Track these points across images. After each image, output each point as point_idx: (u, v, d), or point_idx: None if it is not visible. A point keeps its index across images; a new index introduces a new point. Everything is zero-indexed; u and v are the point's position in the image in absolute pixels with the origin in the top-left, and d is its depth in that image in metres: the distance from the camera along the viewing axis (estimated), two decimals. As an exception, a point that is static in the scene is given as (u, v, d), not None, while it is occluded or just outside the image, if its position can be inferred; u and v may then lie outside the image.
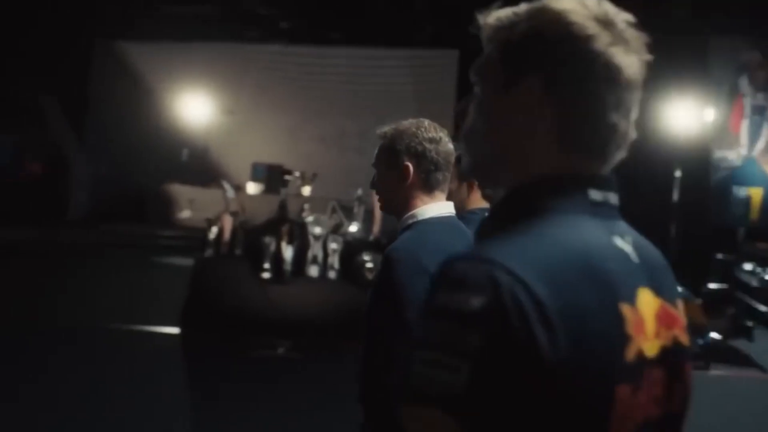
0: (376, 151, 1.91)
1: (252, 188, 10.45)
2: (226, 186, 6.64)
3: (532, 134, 0.85)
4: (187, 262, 6.32)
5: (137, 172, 11.91)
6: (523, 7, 0.86)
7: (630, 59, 0.83)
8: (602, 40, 0.82)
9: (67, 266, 8.77)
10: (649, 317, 0.82)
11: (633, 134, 0.86)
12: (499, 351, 0.72)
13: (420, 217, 1.84)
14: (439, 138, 1.85)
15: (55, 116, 12.27)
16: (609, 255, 0.81)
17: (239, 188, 9.16)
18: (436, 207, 1.85)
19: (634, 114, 0.86)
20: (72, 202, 12.02)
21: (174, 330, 5.47)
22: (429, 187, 1.85)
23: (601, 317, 0.76)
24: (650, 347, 0.81)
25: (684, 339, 0.87)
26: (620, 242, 0.84)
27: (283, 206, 6.03)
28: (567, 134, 0.84)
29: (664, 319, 0.84)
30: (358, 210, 6.23)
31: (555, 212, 0.82)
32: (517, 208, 0.84)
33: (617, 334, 0.77)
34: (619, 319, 0.77)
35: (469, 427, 0.71)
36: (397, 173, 1.84)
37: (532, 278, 0.74)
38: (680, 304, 0.89)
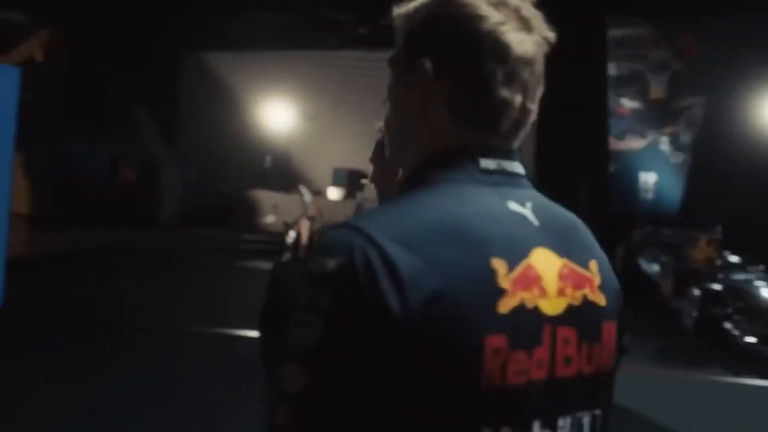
0: (373, 147, 1.85)
1: (333, 193, 10.57)
2: (304, 191, 6.75)
3: (429, 114, 0.90)
4: (269, 265, 6.44)
5: (223, 179, 12.25)
6: None
7: (521, 36, 0.87)
8: (492, 20, 0.86)
9: (157, 269, 9.15)
10: (548, 276, 0.84)
11: (534, 109, 0.90)
12: (347, 309, 0.76)
13: None
14: None
15: (146, 126, 12.79)
16: (493, 217, 0.84)
17: (319, 193, 9.29)
18: None
19: (535, 89, 0.89)
20: (162, 207, 12.49)
21: (255, 333, 5.58)
22: None
23: (465, 273, 0.79)
24: (551, 305, 0.83)
25: (599, 299, 0.88)
26: (516, 206, 0.87)
27: (359, 210, 6.08)
28: (459, 111, 0.88)
29: (571, 279, 0.86)
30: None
31: (441, 182, 0.86)
32: (411, 182, 0.89)
33: (486, 288, 0.79)
34: (488, 274, 0.80)
35: (320, 381, 0.76)
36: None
37: (386, 240, 0.78)
38: (595, 265, 0.90)
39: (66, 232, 10.77)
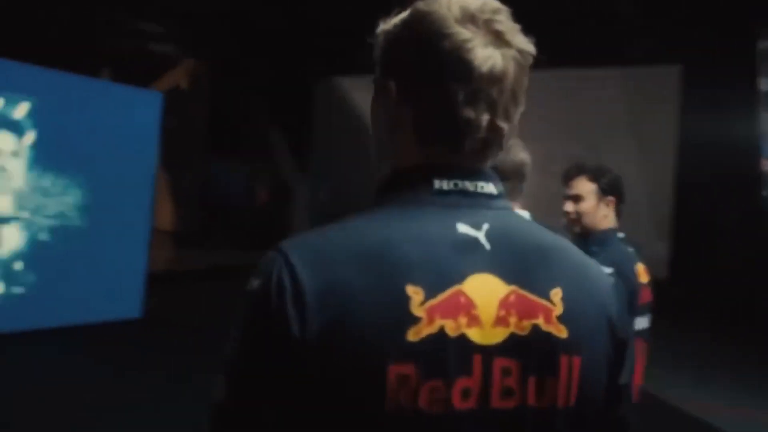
0: None
1: None
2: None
3: (396, 133, 0.89)
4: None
5: (354, 199, 12.39)
6: (404, 13, 0.90)
7: (488, 52, 0.84)
8: (455, 38, 0.84)
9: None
10: (485, 303, 0.81)
11: (507, 127, 0.87)
12: (257, 329, 0.79)
13: None
14: (507, 147, 1.77)
15: (281, 149, 13.24)
16: (426, 241, 0.81)
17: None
18: None
19: (508, 106, 0.86)
20: (295, 227, 12.87)
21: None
22: None
23: (373, 299, 0.77)
24: (484, 334, 0.81)
25: (557, 330, 0.83)
26: (466, 229, 0.84)
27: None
28: (422, 132, 0.87)
29: (517, 307, 0.82)
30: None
31: (388, 203, 0.86)
32: (373, 202, 0.88)
33: (395, 314, 0.78)
34: (400, 301, 0.78)
35: (235, 394, 0.79)
36: None
37: (300, 263, 0.79)
38: (558, 294, 0.85)
39: (207, 250, 11.31)
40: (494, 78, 0.85)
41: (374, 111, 0.93)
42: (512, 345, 0.82)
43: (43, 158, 5.50)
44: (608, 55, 9.61)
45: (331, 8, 10.35)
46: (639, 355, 2.34)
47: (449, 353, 0.79)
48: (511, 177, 1.78)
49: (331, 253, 0.80)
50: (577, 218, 2.49)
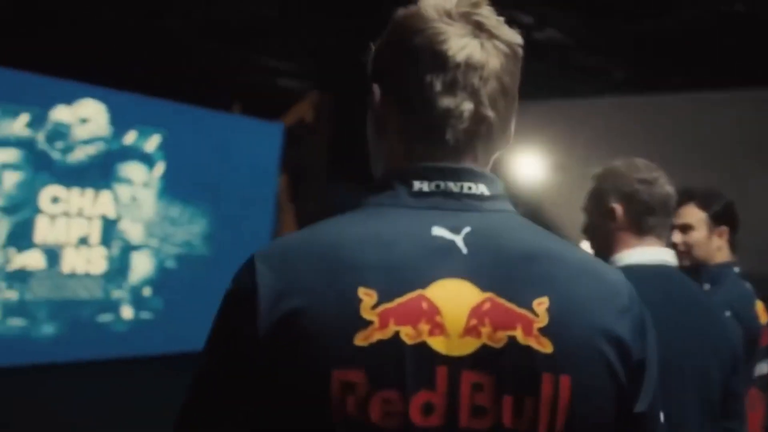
0: (586, 195, 1.80)
1: (585, 247, 10.01)
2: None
3: (383, 136, 0.89)
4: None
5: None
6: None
7: (465, 41, 0.83)
8: (430, 31, 0.83)
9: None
10: (453, 311, 0.75)
11: (495, 117, 0.84)
12: (221, 329, 0.80)
13: (618, 263, 1.64)
14: (653, 179, 1.68)
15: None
16: (389, 243, 0.77)
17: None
18: (643, 252, 1.64)
19: (494, 95, 0.84)
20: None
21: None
22: (640, 231, 1.67)
23: (325, 299, 0.75)
24: (451, 344, 0.75)
25: (539, 345, 0.76)
26: (442, 232, 0.80)
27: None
28: (405, 128, 0.86)
29: (492, 317, 0.76)
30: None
31: (365, 206, 0.84)
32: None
33: (345, 317, 0.74)
34: (351, 303, 0.74)
35: (196, 391, 0.80)
36: (605, 216, 1.70)
37: (263, 265, 0.78)
38: (544, 305, 0.77)
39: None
40: (472, 66, 0.83)
41: (367, 121, 0.92)
42: (484, 358, 0.74)
43: (171, 189, 5.73)
44: (750, 77, 8.96)
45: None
46: (757, 406, 2.09)
47: (406, 362, 0.73)
48: (659, 211, 1.69)
49: (292, 254, 0.79)
50: (687, 250, 2.28)
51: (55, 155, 5.10)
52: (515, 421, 0.74)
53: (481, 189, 0.84)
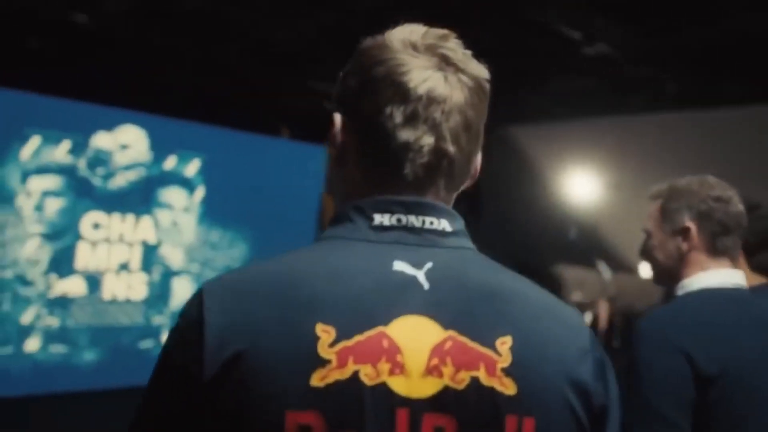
0: (648, 213, 1.70)
1: (645, 270, 9.64)
2: (602, 267, 6.13)
3: (346, 166, 0.86)
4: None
5: (526, 253, 12.00)
6: None
7: (428, 74, 0.81)
8: (393, 62, 0.82)
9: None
10: (414, 350, 0.72)
11: (457, 154, 0.82)
12: (165, 364, 0.76)
13: (693, 287, 1.58)
14: (728, 197, 1.62)
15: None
16: (348, 278, 0.74)
17: (629, 270, 8.50)
18: (717, 274, 1.58)
19: (456, 130, 0.82)
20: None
21: None
22: (714, 253, 1.60)
23: (279, 338, 0.71)
24: (411, 385, 0.71)
25: (502, 386, 0.73)
26: (403, 267, 0.77)
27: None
28: (365, 160, 0.84)
29: (454, 356, 0.72)
30: None
31: (325, 240, 0.82)
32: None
33: (300, 356, 0.70)
34: (307, 341, 0.71)
35: (141, 427, 0.76)
36: (677, 236, 1.62)
37: (211, 298, 0.74)
38: (507, 344, 0.73)
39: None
40: (433, 99, 0.81)
41: (327, 149, 0.90)
42: (447, 400, 0.72)
43: (211, 213, 5.71)
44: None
45: (501, 56, 10.20)
46: None
47: (365, 404, 0.70)
48: (733, 231, 1.62)
49: (243, 288, 0.75)
50: None
51: (96, 181, 5.12)
52: None
53: (443, 225, 0.82)
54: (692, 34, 6.96)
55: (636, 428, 1.44)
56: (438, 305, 0.75)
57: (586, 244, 12.50)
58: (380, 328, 0.72)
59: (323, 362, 0.69)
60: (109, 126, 5.12)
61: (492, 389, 0.73)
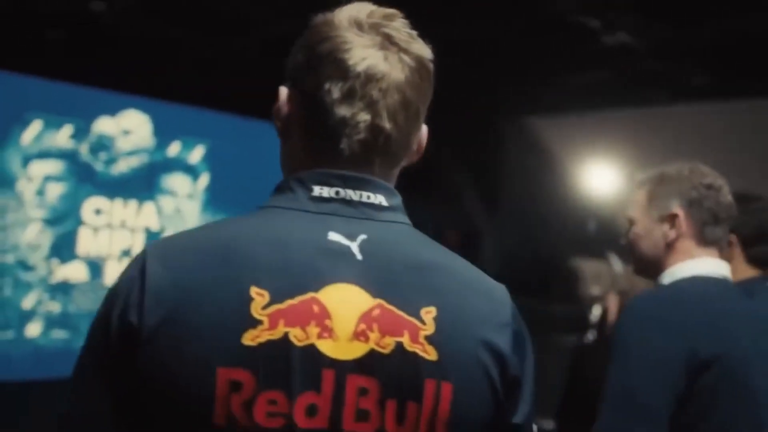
0: (634, 199, 1.63)
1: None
2: (613, 260, 6.00)
3: (288, 140, 0.92)
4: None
5: (544, 246, 11.87)
6: None
7: (368, 52, 0.84)
8: (336, 40, 0.85)
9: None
10: (343, 315, 0.77)
11: (394, 132, 0.85)
12: (102, 321, 0.80)
13: (683, 274, 1.51)
14: (719, 186, 1.58)
15: (469, 192, 13.05)
16: (286, 246, 0.78)
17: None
18: (708, 264, 1.51)
19: (394, 109, 0.85)
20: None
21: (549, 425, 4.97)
22: (703, 242, 1.55)
23: (214, 296, 0.75)
24: (339, 348, 0.76)
25: (425, 352, 0.78)
26: (338, 237, 0.81)
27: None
28: (306, 133, 0.90)
29: (381, 322, 0.78)
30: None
31: (265, 209, 0.87)
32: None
33: (234, 315, 0.74)
34: (241, 302, 0.75)
35: (76, 392, 0.81)
36: (664, 223, 1.56)
37: (154, 258, 0.80)
38: (432, 313, 0.79)
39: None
40: (372, 77, 0.84)
41: (274, 122, 0.94)
42: (371, 363, 0.76)
43: (216, 200, 5.66)
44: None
45: (520, 49, 10.05)
46: None
47: (293, 364, 0.74)
48: (723, 222, 1.58)
49: (184, 250, 0.80)
50: None
51: (99, 167, 5.10)
52: (398, 426, 0.76)
53: (380, 199, 0.87)
54: (719, 23, 6.75)
55: (614, 414, 1.37)
56: (369, 275, 0.80)
57: (604, 237, 12.33)
58: (312, 294, 0.77)
59: (255, 323, 0.74)
60: (112, 111, 5.08)
61: (414, 354, 0.78)
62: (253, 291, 0.76)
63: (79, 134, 4.99)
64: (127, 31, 5.03)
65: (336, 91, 0.84)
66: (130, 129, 5.17)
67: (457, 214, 13.82)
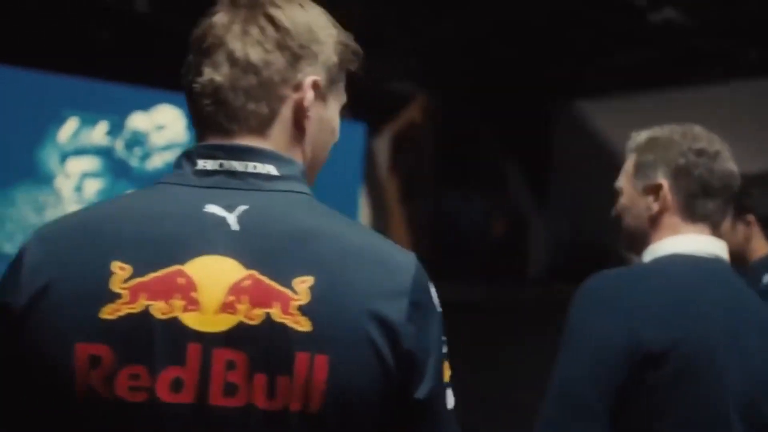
0: (624, 167, 1.48)
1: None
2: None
3: (193, 119, 0.95)
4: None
5: (596, 232, 11.60)
6: None
7: (228, 26, 0.87)
8: (209, 15, 0.90)
9: (524, 325, 8.86)
10: (211, 287, 0.76)
11: (242, 98, 0.86)
12: None
13: (661, 252, 1.36)
14: (714, 152, 1.39)
15: (517, 179, 12.87)
16: (151, 218, 0.79)
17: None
18: (693, 241, 1.34)
19: (240, 77, 0.86)
20: (531, 262, 12.32)
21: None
22: (691, 217, 1.38)
23: (78, 272, 0.76)
24: (205, 320, 0.75)
25: (296, 323, 0.76)
26: (215, 209, 0.81)
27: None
28: (191, 109, 0.93)
29: (251, 294, 0.76)
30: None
31: (153, 186, 0.88)
32: None
33: (93, 290, 0.75)
34: (101, 276, 0.75)
35: None
36: (648, 194, 1.41)
37: (35, 238, 0.81)
38: (307, 283, 0.76)
39: (440, 284, 11.22)
40: (227, 50, 0.86)
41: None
42: (239, 335, 0.75)
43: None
44: None
45: (565, 30, 9.80)
46: None
47: (155, 338, 0.74)
48: (717, 194, 1.39)
49: (62, 229, 0.81)
50: None
51: (134, 162, 5.19)
52: (268, 400, 0.74)
53: (268, 168, 0.85)
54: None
55: (552, 408, 1.26)
56: (243, 246, 0.78)
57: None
58: (177, 267, 0.76)
59: (114, 297, 0.74)
60: (146, 107, 5.16)
61: (284, 325, 0.75)
62: (115, 265, 0.76)
63: (114, 130, 5.09)
64: (159, 26, 5.09)
65: (200, 64, 0.90)
66: (163, 124, 5.24)
67: (505, 202, 13.63)
